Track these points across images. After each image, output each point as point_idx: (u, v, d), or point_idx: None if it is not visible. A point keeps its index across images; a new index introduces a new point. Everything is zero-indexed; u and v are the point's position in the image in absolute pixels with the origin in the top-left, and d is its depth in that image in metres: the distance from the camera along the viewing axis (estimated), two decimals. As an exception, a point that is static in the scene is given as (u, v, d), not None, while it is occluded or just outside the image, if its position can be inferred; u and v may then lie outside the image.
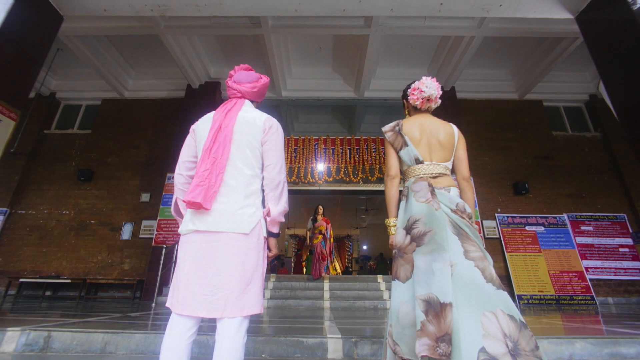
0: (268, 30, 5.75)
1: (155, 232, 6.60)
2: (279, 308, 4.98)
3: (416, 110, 1.67)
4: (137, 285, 6.50)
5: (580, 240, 6.85)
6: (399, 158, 1.56)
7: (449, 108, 7.55)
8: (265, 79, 1.65)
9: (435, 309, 1.08)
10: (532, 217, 7.02)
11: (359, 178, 7.13)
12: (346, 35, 6.37)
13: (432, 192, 1.37)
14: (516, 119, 7.85)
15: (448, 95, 7.70)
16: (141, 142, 7.71)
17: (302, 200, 11.84)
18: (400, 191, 1.52)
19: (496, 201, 7.16)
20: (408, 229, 1.33)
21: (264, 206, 1.42)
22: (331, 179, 7.15)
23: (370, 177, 7.09)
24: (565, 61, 6.94)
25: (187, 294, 1.23)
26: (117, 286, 6.67)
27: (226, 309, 1.20)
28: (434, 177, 1.47)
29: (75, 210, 7.17)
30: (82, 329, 2.18)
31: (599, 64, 3.67)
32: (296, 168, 7.19)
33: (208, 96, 7.65)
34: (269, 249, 1.41)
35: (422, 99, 1.61)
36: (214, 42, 7.09)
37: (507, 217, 7.01)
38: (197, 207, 1.27)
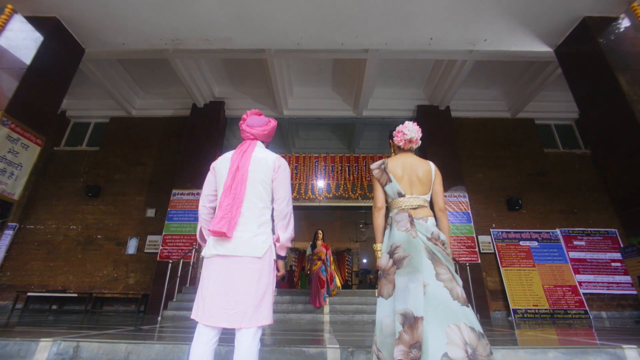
0: (271, 56, 6.16)
1: (160, 247, 6.87)
2: (281, 322, 5.21)
3: (400, 149, 2.00)
4: (141, 300, 6.73)
5: (573, 255, 7.11)
6: (385, 192, 1.88)
7: (445, 126, 7.96)
8: (273, 123, 1.98)
9: (410, 321, 1.38)
10: (526, 232, 7.30)
11: (357, 194, 7.45)
12: (345, 59, 6.79)
13: (412, 222, 1.69)
14: (509, 136, 8.22)
15: (443, 114, 8.10)
16: (147, 159, 8.07)
17: (303, 215, 12.12)
18: (386, 220, 1.83)
19: (491, 217, 7.45)
20: (391, 254, 1.64)
21: (273, 233, 1.73)
22: (331, 195, 7.47)
23: (368, 194, 7.41)
24: (555, 81, 7.34)
25: (211, 308, 1.53)
26: (122, 300, 6.90)
27: (243, 320, 1.49)
28: (414, 209, 1.78)
29: (82, 225, 7.46)
30: (106, 340, 2.46)
31: (575, 92, 4.05)
32: (297, 185, 7.52)
33: (212, 115, 8.05)
34: (277, 269, 1.71)
35: (405, 140, 1.94)
36: (219, 64, 7.53)
37: (502, 232, 7.29)
38: (222, 235, 1.58)
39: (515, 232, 7.30)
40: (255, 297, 1.53)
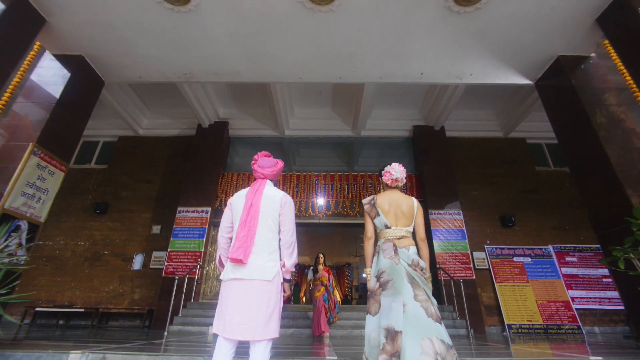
0: (274, 82, 6.62)
1: (166, 263, 7.17)
2: (283, 336, 5.48)
3: (387, 187, 2.37)
4: (146, 315, 6.99)
5: (566, 270, 7.40)
6: (374, 224, 2.24)
7: (440, 146, 8.38)
8: (280, 164, 2.36)
9: (392, 335, 1.72)
10: (519, 248, 7.62)
11: (355, 212, 7.79)
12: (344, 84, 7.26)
13: (395, 251, 2.05)
14: (502, 155, 8.63)
15: (438, 134, 8.54)
16: (154, 176, 8.46)
17: (303, 230, 12.42)
18: (375, 248, 2.19)
19: (485, 233, 7.78)
20: (378, 277, 2.00)
21: (280, 259, 2.09)
22: (330, 212, 7.82)
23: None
24: (543, 105, 7.79)
25: (229, 323, 1.86)
26: (127, 315, 7.16)
27: (256, 333, 1.83)
28: (398, 239, 2.14)
29: (90, 241, 7.79)
30: (129, 352, 2.77)
31: (553, 122, 4.46)
32: (298, 202, 7.87)
33: (217, 135, 8.48)
34: (284, 290, 2.06)
35: (392, 179, 2.32)
36: (224, 87, 8.00)
37: (496, 248, 7.61)
38: (239, 262, 1.93)
39: (509, 249, 7.62)
40: (265, 313, 1.87)
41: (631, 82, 3.35)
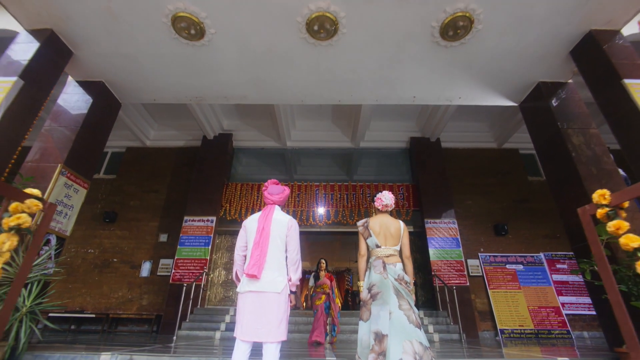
0: (277, 103, 7.06)
1: (173, 270, 7.58)
2: (286, 340, 5.86)
3: (379, 211, 2.79)
4: (154, 320, 7.39)
5: (556, 277, 7.80)
6: (366, 243, 2.66)
7: (436, 157, 8.80)
8: (287, 191, 2.78)
9: (379, 337, 2.12)
10: (512, 256, 8.02)
11: (355, 221, 8.20)
12: (343, 99, 7.70)
13: (384, 267, 2.46)
14: (496, 165, 9.05)
15: (434, 145, 8.97)
16: (161, 186, 8.88)
17: (304, 237, 12.81)
18: (367, 264, 2.61)
19: (479, 241, 8.18)
20: (369, 289, 2.41)
21: (287, 274, 2.49)
22: (330, 221, 8.24)
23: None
24: (534, 118, 8.22)
25: (246, 328, 2.27)
26: (136, 320, 7.56)
27: (269, 336, 2.23)
28: (387, 257, 2.55)
29: (99, 249, 8.20)
30: (153, 354, 3.18)
31: (534, 142, 4.89)
32: (299, 212, 8.29)
33: (221, 146, 8.91)
34: (290, 301, 2.47)
35: (382, 205, 2.74)
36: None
37: (489, 256, 8.01)
38: (253, 277, 2.34)
39: (502, 256, 8.02)
40: (276, 320, 2.28)
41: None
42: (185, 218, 8.03)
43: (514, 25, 3.82)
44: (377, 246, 2.59)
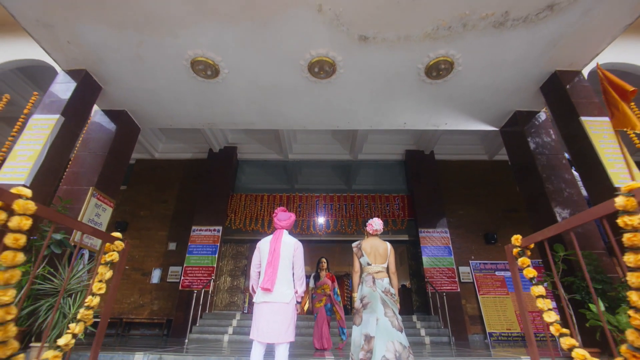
0: (281, 129, 7.68)
1: (182, 277, 8.18)
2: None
3: (370, 234, 3.40)
4: (165, 324, 7.99)
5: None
6: (359, 261, 3.27)
7: (429, 169, 9.42)
8: (293, 217, 3.39)
9: (368, 339, 2.73)
10: (500, 263, 8.63)
11: (353, 230, 8.82)
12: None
13: (374, 282, 3.07)
14: (486, 177, 9.67)
15: (428, 158, 9.59)
16: (169, 197, 9.50)
17: (305, 245, 13.39)
18: (360, 279, 3.22)
19: (470, 249, 8.80)
20: (361, 300, 3.02)
21: (294, 287, 3.10)
22: (330, 230, 8.85)
23: (362, 229, 8.75)
24: (522, 133, 8.85)
25: (262, 331, 2.88)
26: (147, 324, 8.15)
27: (280, 338, 2.84)
28: (376, 273, 3.16)
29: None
30: (178, 354, 3.78)
31: (512, 163, 5.51)
32: (300, 221, 8.90)
33: (226, 159, 9.53)
34: (297, 310, 3.07)
35: (372, 230, 3.35)
36: (234, 117, 9.07)
37: (480, 263, 8.62)
38: (267, 290, 2.95)
39: (491, 264, 8.63)
40: (285, 324, 2.89)
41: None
42: (193, 228, 8.63)
43: (490, 67, 4.44)
44: (368, 264, 3.20)
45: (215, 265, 8.28)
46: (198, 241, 8.52)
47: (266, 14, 3.75)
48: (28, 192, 1.48)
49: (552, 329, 1.96)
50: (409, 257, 9.12)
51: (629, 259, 1.35)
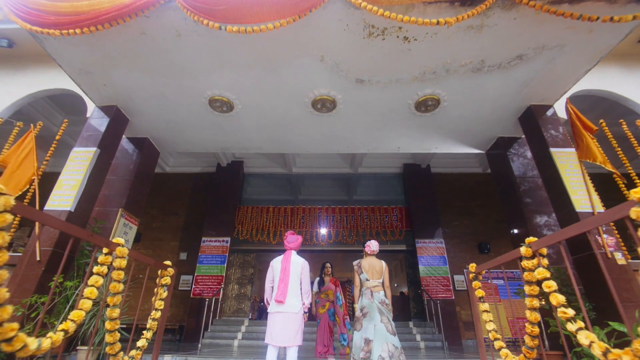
0: (287, 153, 8.36)
1: (193, 286, 8.83)
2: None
3: (367, 254, 4.05)
4: (178, 330, 8.63)
5: (533, 291, 8.99)
6: (360, 277, 3.92)
7: (426, 182, 10.06)
8: (300, 239, 4.05)
9: (367, 342, 3.39)
10: (493, 272, 9.23)
11: (353, 240, 9.47)
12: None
13: (371, 295, 3.72)
14: (480, 189, 10.30)
15: (425, 171, 10.25)
16: (180, 209, 10.18)
17: (308, 254, 14.04)
18: (360, 292, 3.87)
19: (465, 259, 9.42)
20: (361, 310, 3.67)
21: (301, 299, 3.75)
22: (332, 241, 9.49)
23: (361, 240, 9.41)
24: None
25: (275, 337, 3.52)
26: (161, 330, 8.77)
27: (290, 342, 3.48)
28: (374, 287, 3.81)
29: (127, 266, 9.44)
30: (201, 356, 4.42)
31: (496, 184, 6.15)
32: (303, 232, 9.55)
33: (234, 173, 10.21)
34: (305, 318, 3.71)
35: (370, 250, 4.01)
36: (241, 134, 9.76)
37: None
38: (280, 302, 3.60)
39: (485, 272, 9.21)
40: (295, 330, 3.54)
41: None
42: (203, 239, 9.30)
43: (472, 102, 5.11)
44: (367, 280, 3.86)
45: (224, 274, 8.93)
46: (208, 251, 9.18)
47: (276, 62, 4.44)
48: (122, 241, 2.15)
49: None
50: (406, 266, 9.75)
51: (526, 289, 2.04)
